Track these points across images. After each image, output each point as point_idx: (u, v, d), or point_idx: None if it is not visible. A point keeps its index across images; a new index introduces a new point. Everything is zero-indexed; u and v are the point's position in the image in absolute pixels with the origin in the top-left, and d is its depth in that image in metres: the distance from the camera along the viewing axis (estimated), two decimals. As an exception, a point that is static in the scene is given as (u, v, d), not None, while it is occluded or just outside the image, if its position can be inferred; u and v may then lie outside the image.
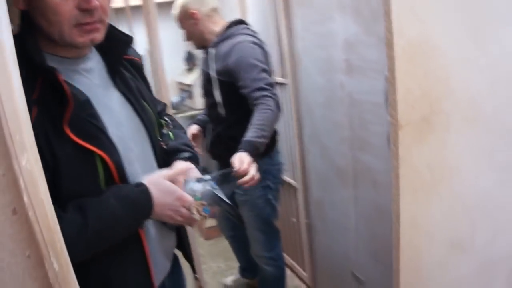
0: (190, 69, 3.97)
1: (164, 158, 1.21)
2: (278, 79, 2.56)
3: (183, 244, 1.34)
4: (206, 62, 2.28)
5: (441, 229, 1.06)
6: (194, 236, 2.37)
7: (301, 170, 2.60)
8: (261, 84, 2.03)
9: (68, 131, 0.91)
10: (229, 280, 3.10)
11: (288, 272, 3.11)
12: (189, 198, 1.05)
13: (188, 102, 4.00)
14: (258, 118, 2.00)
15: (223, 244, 3.66)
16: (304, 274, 2.92)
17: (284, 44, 2.43)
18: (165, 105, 1.51)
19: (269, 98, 2.02)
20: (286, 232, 3.02)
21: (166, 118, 1.32)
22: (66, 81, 0.92)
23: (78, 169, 0.93)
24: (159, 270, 1.17)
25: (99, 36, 0.98)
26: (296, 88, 2.46)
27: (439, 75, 0.92)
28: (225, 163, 2.09)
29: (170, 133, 1.30)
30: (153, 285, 1.10)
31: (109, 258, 1.02)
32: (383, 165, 1.81)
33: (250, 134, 1.99)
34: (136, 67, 1.23)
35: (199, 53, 2.31)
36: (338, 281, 2.49)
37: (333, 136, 2.18)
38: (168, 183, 1.04)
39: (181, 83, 4.11)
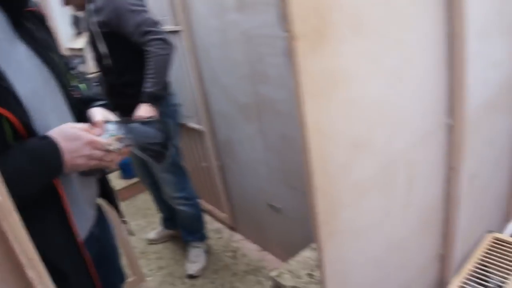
0: (79, 33, 3.85)
1: (79, 108, 1.19)
2: (172, 27, 2.56)
3: (106, 191, 1.35)
4: (87, 19, 2.27)
5: (343, 132, 1.18)
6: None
7: (206, 113, 2.66)
8: (144, 28, 2.10)
9: None
10: (152, 234, 3.15)
11: (207, 217, 3.23)
12: (100, 139, 1.03)
13: (81, 67, 3.86)
14: (150, 67, 2.12)
15: (139, 202, 3.70)
16: (223, 215, 3.04)
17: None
18: (68, 59, 1.47)
19: (156, 41, 2.11)
20: (200, 177, 3.11)
21: (74, 71, 1.30)
22: None
23: None
24: (84, 220, 1.17)
25: None
26: (191, 33, 2.47)
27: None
28: (125, 111, 2.20)
29: (81, 85, 1.28)
30: (76, 238, 1.07)
31: (26, 214, 0.99)
32: (284, 95, 1.93)
33: (147, 85, 2.13)
34: (39, 18, 1.19)
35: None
36: (256, 215, 2.64)
37: (232, 74, 2.26)
38: (75, 129, 1.01)
39: (72, 49, 4.00)
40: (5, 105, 0.91)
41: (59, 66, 1.14)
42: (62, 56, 1.22)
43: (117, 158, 1.09)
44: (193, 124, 2.84)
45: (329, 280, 1.29)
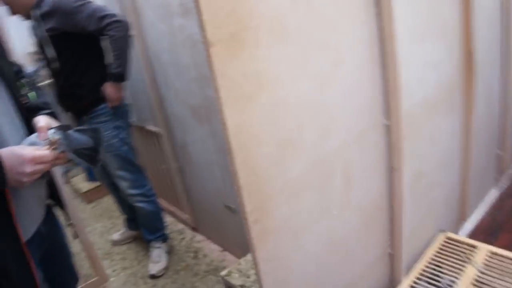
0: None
1: (26, 116, 1.23)
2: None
3: (55, 193, 1.40)
4: (34, 25, 2.29)
5: (269, 132, 1.20)
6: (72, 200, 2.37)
7: (161, 116, 2.68)
8: (98, 14, 2.15)
9: None
10: (116, 235, 3.16)
11: (170, 218, 3.24)
12: (40, 152, 1.06)
13: (44, 70, 3.84)
14: (113, 49, 2.20)
15: (105, 205, 3.73)
16: (185, 216, 3.06)
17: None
18: (21, 67, 1.50)
19: (113, 24, 2.16)
20: (160, 179, 3.13)
21: (24, 80, 1.34)
22: None
23: None
24: (30, 219, 1.21)
25: None
26: (142, 37, 2.49)
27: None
28: (77, 110, 2.42)
29: (30, 94, 1.32)
30: (19, 237, 1.11)
31: None
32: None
33: (112, 66, 2.24)
34: None
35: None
36: (215, 216, 2.66)
37: (182, 78, 2.27)
38: (21, 150, 1.04)
39: (34, 53, 3.96)
40: None
41: (7, 73, 1.18)
42: (12, 64, 1.27)
43: (56, 162, 1.12)
44: (150, 127, 2.85)
45: (265, 279, 1.31)
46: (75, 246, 2.75)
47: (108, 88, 2.33)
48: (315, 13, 1.25)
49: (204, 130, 2.28)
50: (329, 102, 1.37)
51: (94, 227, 3.48)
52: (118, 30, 2.16)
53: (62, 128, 1.15)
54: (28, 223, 1.18)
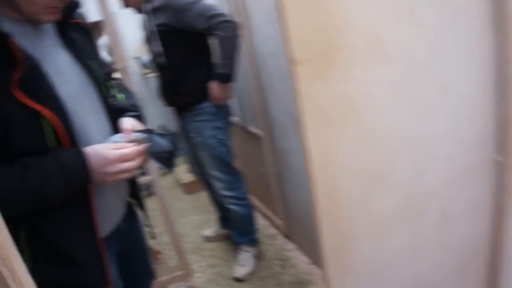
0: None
1: (113, 117, 1.25)
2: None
3: (136, 193, 1.41)
4: (145, 19, 2.35)
5: (357, 162, 1.08)
6: (163, 191, 2.43)
7: (264, 119, 2.63)
8: (208, 13, 2.13)
9: (15, 92, 0.93)
10: (207, 231, 3.19)
11: (263, 221, 3.20)
12: (122, 150, 1.07)
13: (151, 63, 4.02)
14: (221, 51, 2.18)
15: (203, 199, 3.75)
16: (279, 222, 3.00)
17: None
18: (112, 69, 1.56)
19: (222, 24, 2.13)
20: (257, 181, 3.09)
21: (114, 81, 1.40)
22: (15, 43, 0.93)
23: (26, 130, 0.96)
24: (111, 215, 1.24)
25: (60, 14, 1.07)
26: (250, 38, 2.45)
27: (333, 8, 0.93)
28: (179, 106, 2.44)
29: (118, 95, 1.36)
30: (96, 233, 1.12)
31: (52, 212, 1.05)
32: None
33: (219, 66, 2.23)
34: (83, 29, 1.27)
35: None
36: (310, 227, 2.55)
37: (285, 85, 2.19)
38: (106, 150, 1.06)
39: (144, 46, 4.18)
40: (48, 105, 0.98)
41: (97, 74, 1.21)
42: (102, 65, 1.30)
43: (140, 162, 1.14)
44: (252, 128, 2.82)
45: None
46: (165, 237, 2.83)
47: (214, 88, 2.32)
48: (420, 31, 1.09)
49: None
50: (430, 133, 1.19)
51: (190, 219, 3.55)
52: (226, 30, 2.13)
53: (146, 132, 1.18)
54: (107, 219, 1.21)
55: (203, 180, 2.84)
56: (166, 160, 1.20)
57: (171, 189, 4.17)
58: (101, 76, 1.23)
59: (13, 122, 0.93)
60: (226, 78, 2.26)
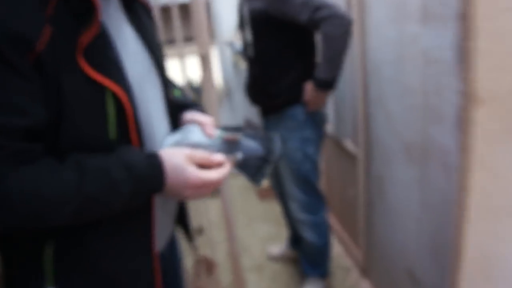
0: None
1: (171, 109, 1.08)
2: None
3: (184, 215, 1.21)
4: (240, 2, 2.07)
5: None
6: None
7: (364, 138, 2.21)
8: (315, 4, 1.77)
9: (81, 61, 0.76)
10: (274, 249, 2.84)
11: (339, 248, 2.82)
12: (210, 176, 0.86)
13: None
14: (324, 51, 1.84)
15: (277, 208, 3.40)
16: (357, 253, 2.59)
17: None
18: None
19: (329, 18, 1.77)
20: (343, 202, 2.70)
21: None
22: None
23: (87, 109, 0.78)
24: (163, 233, 1.06)
25: None
26: (363, 40, 2.04)
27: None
28: (265, 107, 2.10)
29: (175, 90, 1.17)
30: (152, 250, 0.94)
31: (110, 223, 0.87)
32: (459, 145, 1.40)
33: (320, 70, 1.89)
34: (147, 11, 1.09)
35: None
36: (391, 271, 2.15)
37: (401, 102, 1.77)
38: (186, 166, 0.84)
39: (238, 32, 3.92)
40: (116, 81, 0.80)
41: (161, 58, 1.04)
42: (163, 55, 1.10)
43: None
44: (347, 144, 2.42)
45: None
46: (226, 247, 2.52)
47: (310, 92, 1.96)
48: None
49: (412, 172, 1.76)
50: None
51: (257, 229, 3.22)
52: (334, 27, 1.77)
53: (230, 130, 0.95)
54: (160, 237, 1.03)
55: (279, 195, 2.48)
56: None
57: (242, 191, 3.86)
58: (163, 63, 1.04)
59: (72, 100, 0.75)
60: (326, 84, 1.90)
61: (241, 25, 2.08)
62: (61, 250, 0.83)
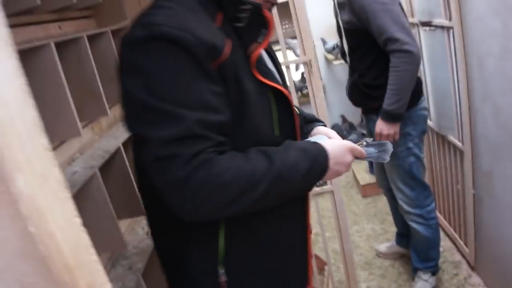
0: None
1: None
2: (442, 21, 2.14)
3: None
4: (335, 9, 2.14)
5: None
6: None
7: (470, 132, 2.17)
8: (387, 35, 1.83)
9: (254, 69, 0.94)
10: (382, 246, 2.85)
11: (448, 243, 2.77)
12: (357, 146, 1.07)
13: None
14: (391, 81, 1.90)
15: (381, 204, 3.39)
16: (466, 250, 2.52)
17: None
18: None
19: (399, 53, 1.83)
20: (449, 198, 2.64)
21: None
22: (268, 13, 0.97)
23: (261, 110, 0.96)
24: None
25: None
26: (464, 33, 2.00)
27: None
28: (365, 109, 2.25)
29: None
30: (308, 234, 1.13)
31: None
32: None
33: (385, 101, 1.95)
34: None
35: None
36: (502, 266, 2.09)
37: (509, 96, 1.74)
38: (338, 141, 1.06)
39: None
40: (277, 84, 1.00)
41: (285, 80, 1.19)
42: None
43: None
44: (453, 139, 2.38)
45: None
46: (336, 244, 2.58)
47: (379, 125, 2.02)
48: None
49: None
50: None
51: (363, 227, 3.22)
52: (403, 62, 1.84)
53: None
54: None
55: (386, 189, 2.51)
56: None
57: (345, 189, 3.86)
58: (286, 81, 1.21)
59: (251, 103, 0.92)
60: (392, 117, 1.97)
61: (339, 33, 2.16)
62: (231, 231, 0.97)
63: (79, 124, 1.46)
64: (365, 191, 3.62)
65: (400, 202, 2.30)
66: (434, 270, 2.40)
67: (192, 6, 0.91)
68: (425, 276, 2.38)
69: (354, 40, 2.05)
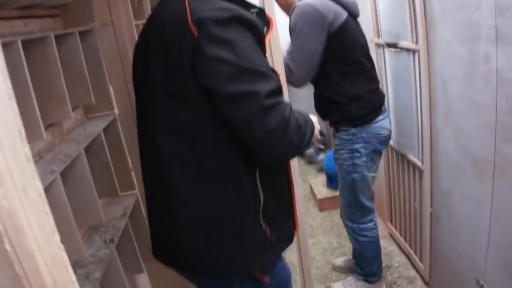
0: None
1: None
2: (408, 44, 2.21)
3: None
4: None
5: None
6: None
7: (430, 151, 2.24)
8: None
9: (265, 52, 1.17)
10: (338, 260, 2.89)
11: (403, 258, 2.83)
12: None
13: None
14: None
15: (338, 218, 3.39)
16: (421, 266, 2.59)
17: (417, 3, 2.05)
18: None
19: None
20: (407, 216, 2.72)
21: None
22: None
23: None
24: None
25: None
26: (429, 57, 2.07)
27: None
28: (331, 121, 2.33)
29: None
30: (293, 192, 1.37)
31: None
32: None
33: None
34: None
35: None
36: (457, 282, 2.15)
37: (471, 119, 1.80)
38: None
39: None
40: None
41: None
42: None
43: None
44: (412, 158, 2.44)
45: None
46: (292, 257, 2.58)
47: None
48: None
49: (482, 188, 1.77)
50: None
51: (319, 241, 3.25)
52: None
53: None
54: None
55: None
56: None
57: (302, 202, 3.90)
58: None
59: None
60: None
61: None
62: (263, 179, 1.21)
63: (42, 127, 1.41)
64: (322, 204, 3.66)
65: (341, 212, 2.46)
66: (369, 279, 2.54)
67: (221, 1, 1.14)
68: (358, 276, 2.57)
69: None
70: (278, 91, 1.09)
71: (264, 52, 1.14)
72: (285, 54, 2.05)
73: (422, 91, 2.17)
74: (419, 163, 2.37)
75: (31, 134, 1.40)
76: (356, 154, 2.19)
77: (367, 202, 2.33)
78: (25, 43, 1.54)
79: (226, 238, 1.20)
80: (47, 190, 1.43)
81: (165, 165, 1.19)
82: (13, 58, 1.34)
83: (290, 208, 1.36)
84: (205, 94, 1.07)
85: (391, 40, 2.41)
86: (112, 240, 1.94)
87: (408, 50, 2.23)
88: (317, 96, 2.28)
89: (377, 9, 2.61)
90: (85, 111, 2.20)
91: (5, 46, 1.33)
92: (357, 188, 2.26)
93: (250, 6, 1.22)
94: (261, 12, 1.24)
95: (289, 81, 1.97)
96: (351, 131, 2.17)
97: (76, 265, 1.77)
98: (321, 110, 2.30)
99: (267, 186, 1.22)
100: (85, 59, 1.98)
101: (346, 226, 2.46)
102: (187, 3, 1.09)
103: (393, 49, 2.41)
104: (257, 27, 1.10)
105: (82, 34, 2.02)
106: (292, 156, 1.26)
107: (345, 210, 2.40)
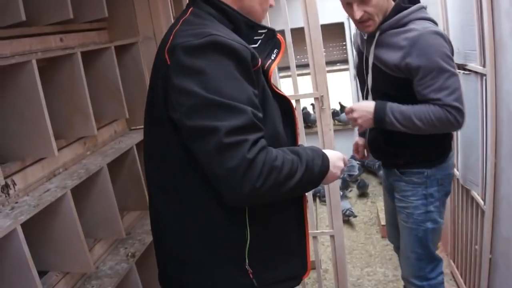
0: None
1: None
2: (477, 67, 1.96)
3: None
4: (363, 42, 1.86)
5: None
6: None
7: (493, 192, 1.97)
8: (442, 98, 1.62)
9: (269, 80, 1.16)
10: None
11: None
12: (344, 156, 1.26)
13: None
14: (419, 110, 1.66)
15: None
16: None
17: (485, 23, 1.79)
18: None
19: (448, 114, 1.62)
20: (467, 257, 2.43)
21: None
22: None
23: (276, 113, 1.16)
24: None
25: None
26: (497, 82, 1.81)
27: None
28: (388, 171, 2.01)
29: None
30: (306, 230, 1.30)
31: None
32: None
33: (394, 107, 1.70)
34: None
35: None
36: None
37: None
38: (334, 151, 1.24)
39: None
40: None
41: None
42: None
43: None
44: (476, 195, 2.16)
45: None
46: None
47: (361, 104, 1.81)
48: None
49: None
50: None
51: (374, 271, 3.03)
52: (441, 114, 1.63)
53: None
54: None
55: (397, 247, 2.20)
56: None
57: (366, 225, 3.70)
58: None
59: (270, 106, 1.13)
60: (379, 120, 1.76)
61: (360, 69, 1.92)
62: (252, 215, 1.12)
63: (54, 144, 1.47)
64: (385, 231, 3.38)
65: (403, 268, 2.05)
66: None
67: (217, 24, 1.09)
68: None
69: (385, 83, 1.78)
70: (248, 127, 0.98)
71: (254, 80, 1.05)
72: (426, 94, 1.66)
73: (488, 121, 1.90)
74: (482, 202, 2.08)
75: (44, 151, 1.48)
76: (430, 200, 1.85)
77: (437, 255, 1.99)
78: (50, 60, 1.57)
79: (202, 271, 1.15)
80: (57, 204, 1.45)
81: (151, 190, 1.21)
82: (28, 77, 1.39)
83: (296, 249, 1.26)
84: (175, 124, 1.05)
85: (459, 61, 2.14)
86: (133, 255, 1.91)
87: (476, 73, 1.98)
88: (377, 140, 1.94)
89: (447, 26, 2.36)
90: (128, 123, 2.22)
91: (20, 65, 1.38)
92: (429, 239, 1.91)
93: (257, 27, 1.17)
94: (270, 33, 1.18)
95: (453, 127, 1.69)
96: (425, 173, 1.83)
97: (91, 277, 1.77)
98: (383, 151, 1.95)
99: (259, 222, 1.13)
100: (128, 72, 2.02)
101: (411, 286, 2.01)
102: (178, 26, 1.10)
103: (462, 71, 2.15)
104: (240, 54, 1.01)
105: (126, 47, 2.04)
106: (271, 198, 1.06)
107: (412, 267, 1.98)
